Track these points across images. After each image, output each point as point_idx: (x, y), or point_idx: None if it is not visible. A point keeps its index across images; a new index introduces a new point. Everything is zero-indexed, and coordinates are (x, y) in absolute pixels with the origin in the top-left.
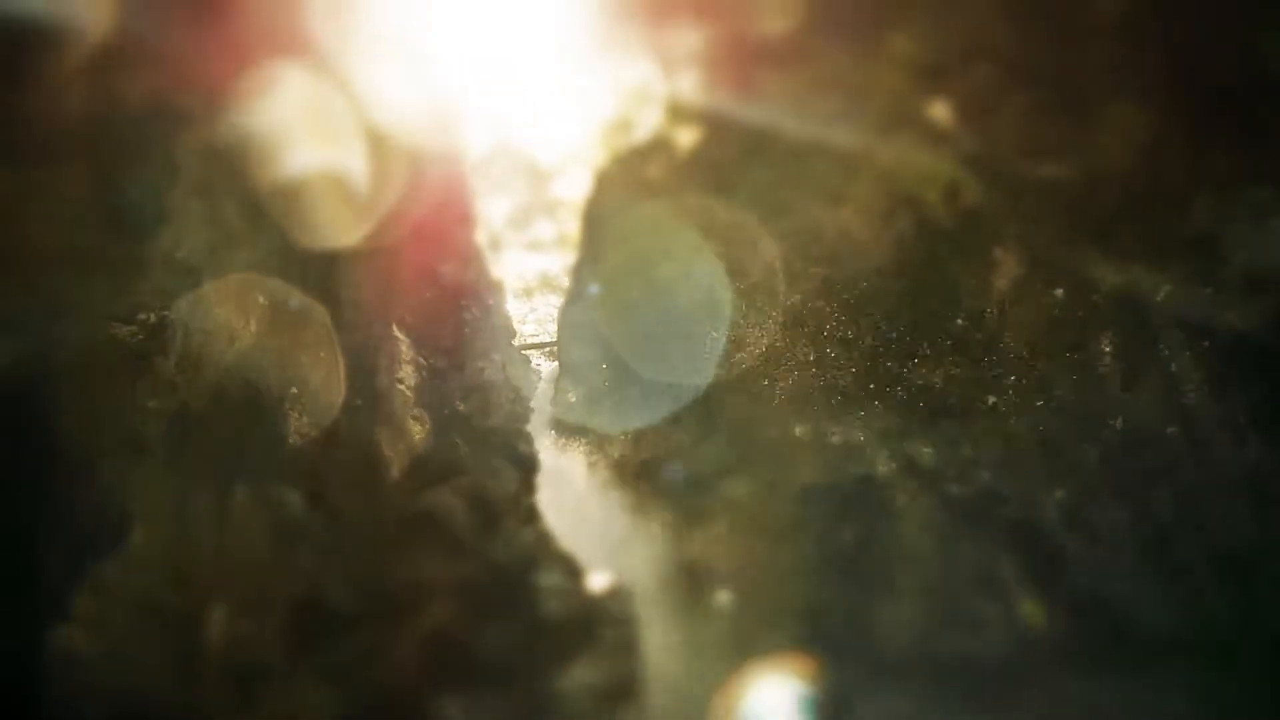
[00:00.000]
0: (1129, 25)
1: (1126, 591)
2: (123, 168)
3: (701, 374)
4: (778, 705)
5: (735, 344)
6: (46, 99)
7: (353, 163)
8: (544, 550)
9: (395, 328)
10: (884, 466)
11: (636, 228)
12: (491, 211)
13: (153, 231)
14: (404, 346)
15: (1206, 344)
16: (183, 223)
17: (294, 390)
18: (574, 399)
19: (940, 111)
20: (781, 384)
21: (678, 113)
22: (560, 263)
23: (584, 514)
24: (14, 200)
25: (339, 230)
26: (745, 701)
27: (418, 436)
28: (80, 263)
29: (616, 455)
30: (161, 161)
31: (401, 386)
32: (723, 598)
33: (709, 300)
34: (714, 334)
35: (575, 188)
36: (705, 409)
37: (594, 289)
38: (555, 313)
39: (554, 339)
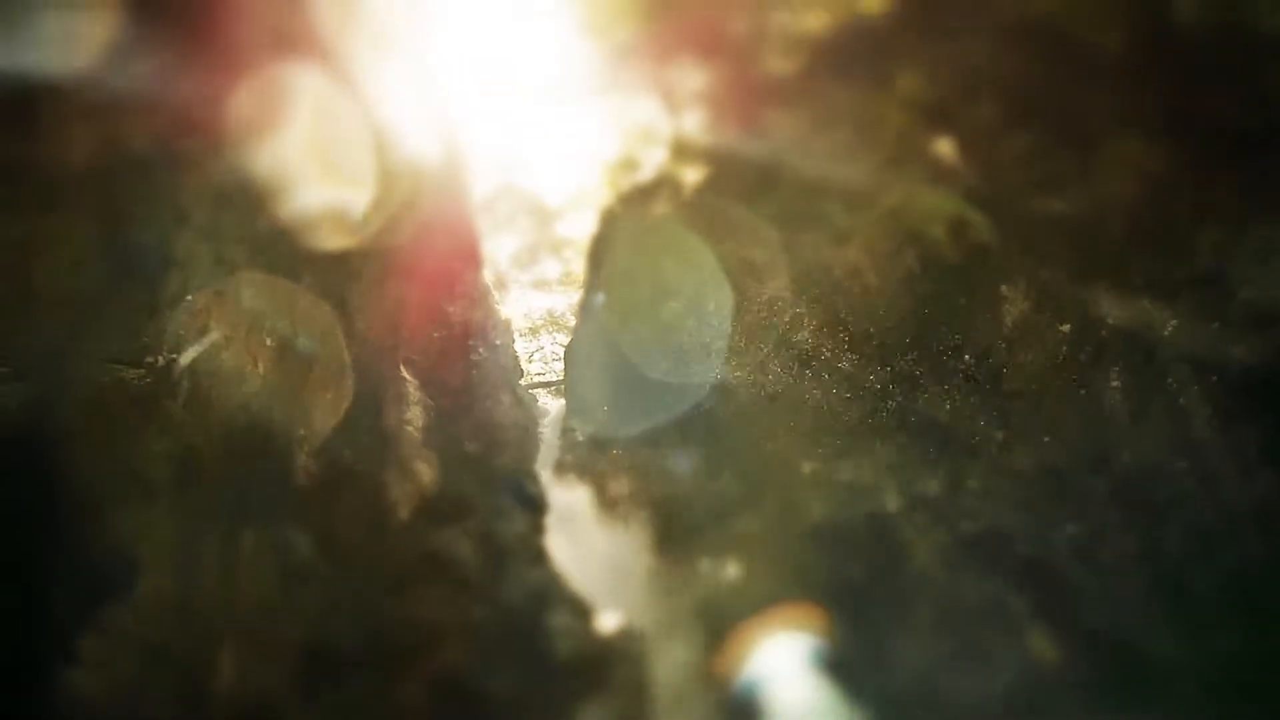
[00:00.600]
0: (1134, 62)
1: (1138, 625)
2: (130, 212)
3: (709, 411)
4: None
5: (742, 381)
6: (53, 144)
7: (359, 203)
8: (553, 590)
9: (403, 368)
10: (893, 503)
11: (642, 265)
12: (497, 250)
13: (160, 275)
14: (411, 387)
15: (1214, 378)
16: (190, 266)
17: (301, 432)
18: (581, 437)
19: (946, 148)
20: (790, 421)
21: (683, 151)
22: (566, 301)
23: (593, 553)
24: (22, 245)
25: (345, 272)
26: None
27: (426, 477)
28: (88, 307)
29: (625, 493)
30: (169, 205)
31: (409, 427)
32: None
33: (715, 338)
34: (721, 372)
35: (581, 226)
36: (713, 446)
37: (599, 299)
38: (562, 351)
39: (561, 377)
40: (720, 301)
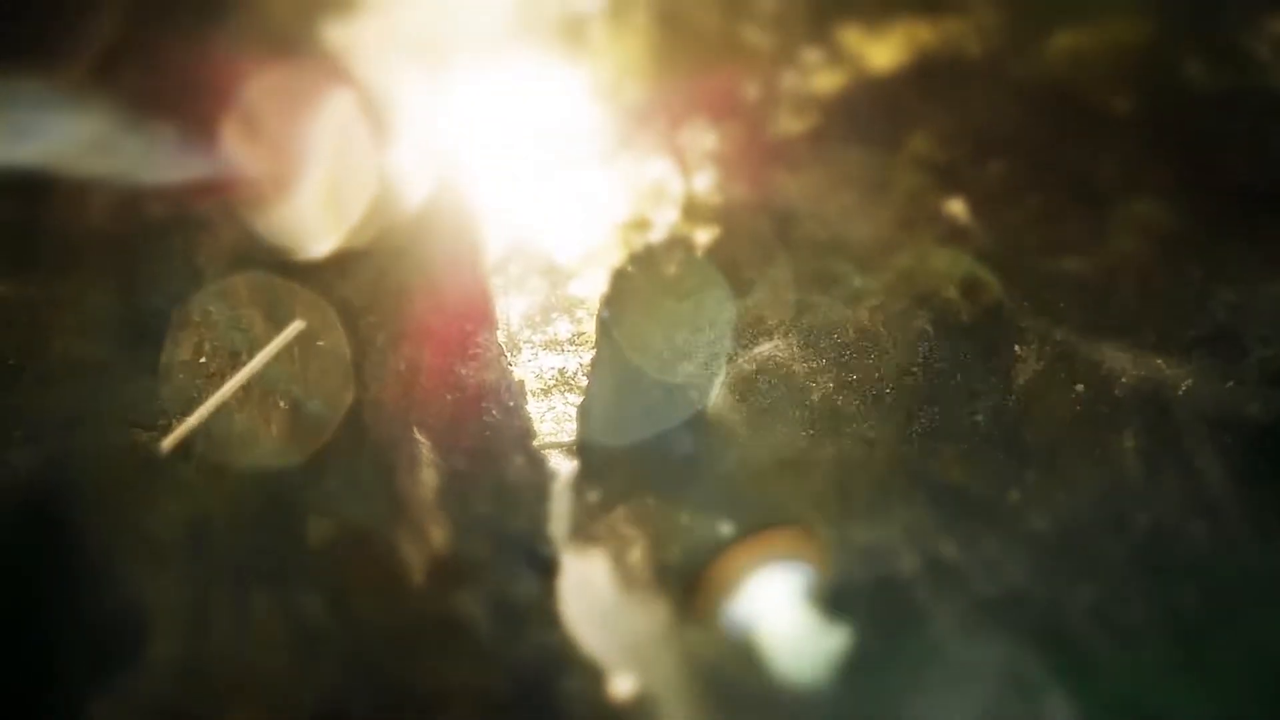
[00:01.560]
0: (1145, 123)
1: (1156, 690)
2: (145, 275)
3: (724, 474)
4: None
5: (756, 443)
6: (69, 210)
7: (373, 266)
8: (567, 654)
9: (416, 430)
10: (908, 565)
11: (654, 325)
12: (509, 311)
13: (175, 338)
14: (424, 449)
15: (1229, 438)
16: (205, 329)
17: (314, 494)
18: (594, 499)
19: (958, 208)
20: (804, 483)
21: (695, 211)
22: (578, 361)
23: (607, 616)
24: (38, 310)
25: (360, 333)
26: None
27: (438, 540)
28: (103, 370)
29: (638, 555)
30: (184, 268)
31: (422, 489)
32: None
33: (729, 398)
34: (734, 433)
35: (592, 286)
36: (728, 509)
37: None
38: (573, 411)
39: (573, 438)
40: (732, 363)
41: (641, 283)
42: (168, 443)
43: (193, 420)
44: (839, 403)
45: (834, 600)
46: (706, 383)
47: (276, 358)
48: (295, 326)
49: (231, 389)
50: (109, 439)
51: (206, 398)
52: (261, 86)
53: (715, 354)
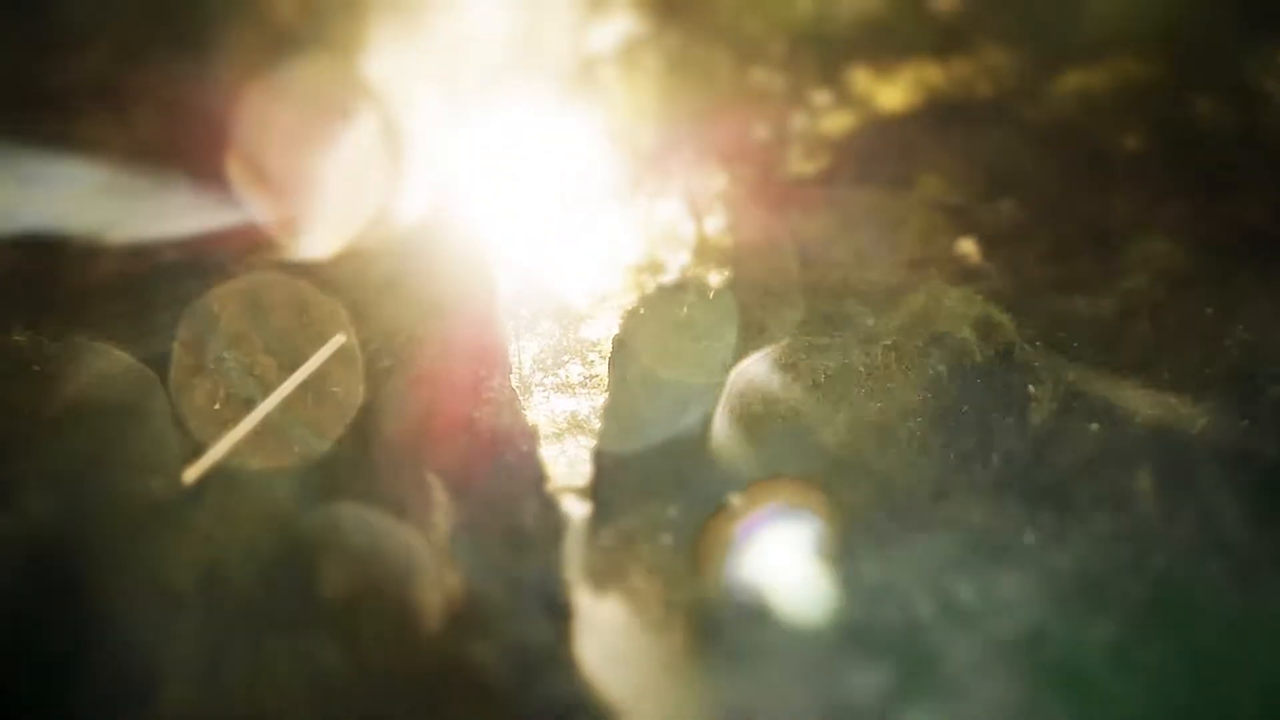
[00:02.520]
0: (1157, 162)
1: None
2: (158, 321)
3: (734, 515)
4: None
5: (768, 485)
6: (82, 258)
7: (384, 308)
8: (583, 700)
9: (429, 476)
10: (923, 607)
11: (666, 368)
12: (521, 353)
13: (189, 384)
14: (438, 494)
15: (1245, 476)
16: (219, 374)
17: (327, 540)
18: (608, 542)
19: (970, 248)
20: (817, 525)
21: (706, 253)
22: (590, 405)
23: (623, 660)
24: (51, 359)
25: (373, 379)
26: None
27: (453, 586)
28: (116, 416)
29: (653, 599)
30: (198, 315)
31: (436, 535)
32: None
33: (740, 440)
34: (746, 474)
35: (604, 329)
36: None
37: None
38: (586, 455)
39: (586, 482)
40: (743, 405)
41: (653, 325)
42: (191, 473)
43: (223, 445)
44: (852, 443)
45: (848, 640)
46: (718, 424)
47: (301, 386)
48: (335, 341)
49: (266, 409)
50: (122, 485)
51: (227, 435)
52: (273, 129)
53: (727, 395)
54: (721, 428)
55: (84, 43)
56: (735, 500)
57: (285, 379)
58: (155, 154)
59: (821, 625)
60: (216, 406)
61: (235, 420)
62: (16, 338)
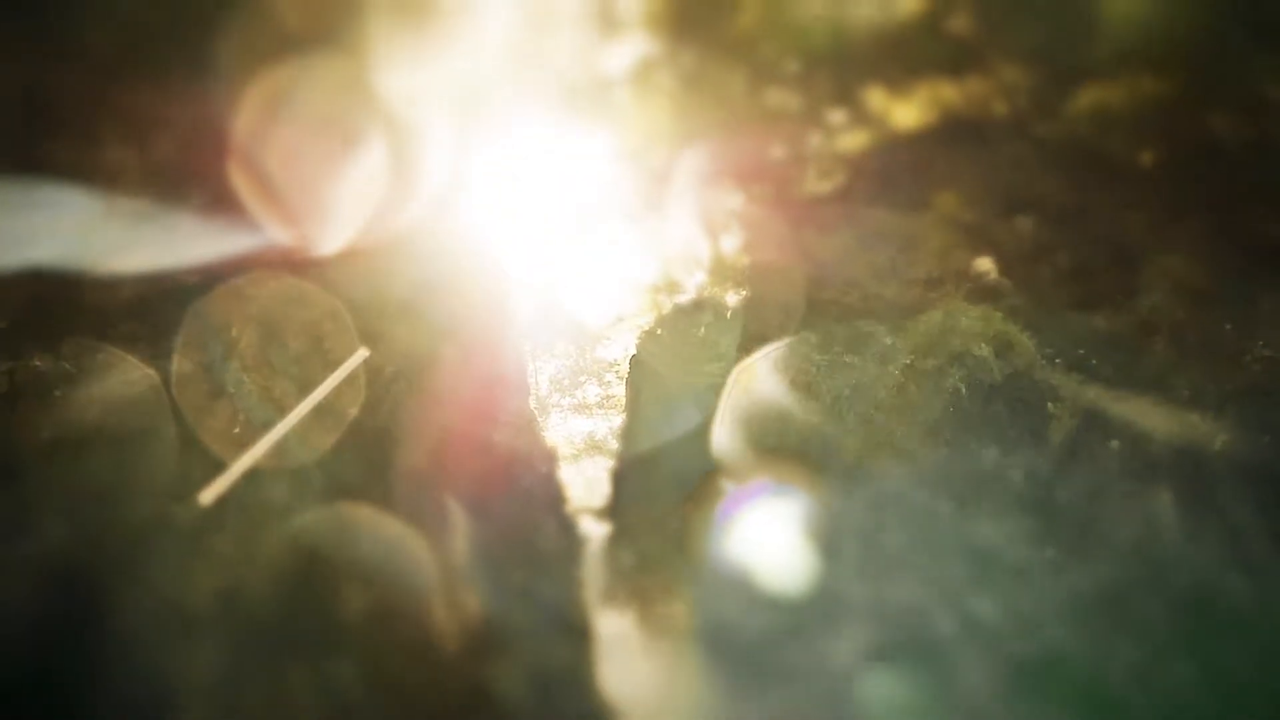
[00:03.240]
0: (1174, 177)
1: None
2: (177, 346)
3: (753, 534)
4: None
5: (788, 505)
6: (101, 284)
7: (401, 331)
8: None
9: (447, 497)
10: (945, 627)
11: (684, 388)
12: (538, 374)
13: (206, 406)
14: (456, 516)
15: (1267, 494)
16: (238, 398)
17: (345, 562)
18: (628, 563)
19: (987, 266)
20: (837, 545)
21: (722, 273)
22: (607, 425)
23: (644, 682)
24: (68, 384)
25: (390, 402)
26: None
27: (472, 608)
28: (135, 441)
29: (673, 620)
30: (216, 337)
31: (454, 557)
32: None
33: (758, 459)
34: (765, 495)
35: (621, 349)
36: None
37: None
38: (604, 475)
39: (604, 503)
40: (762, 426)
41: (671, 345)
42: (208, 495)
43: (240, 467)
44: (872, 462)
45: (871, 662)
46: (735, 443)
47: (318, 409)
48: (357, 357)
49: (284, 430)
50: (140, 508)
51: (244, 457)
52: (289, 152)
53: (744, 415)
54: (738, 446)
55: (95, 68)
56: (751, 515)
57: (302, 400)
58: (169, 178)
59: (843, 646)
60: (234, 429)
61: (252, 441)
62: (36, 362)
